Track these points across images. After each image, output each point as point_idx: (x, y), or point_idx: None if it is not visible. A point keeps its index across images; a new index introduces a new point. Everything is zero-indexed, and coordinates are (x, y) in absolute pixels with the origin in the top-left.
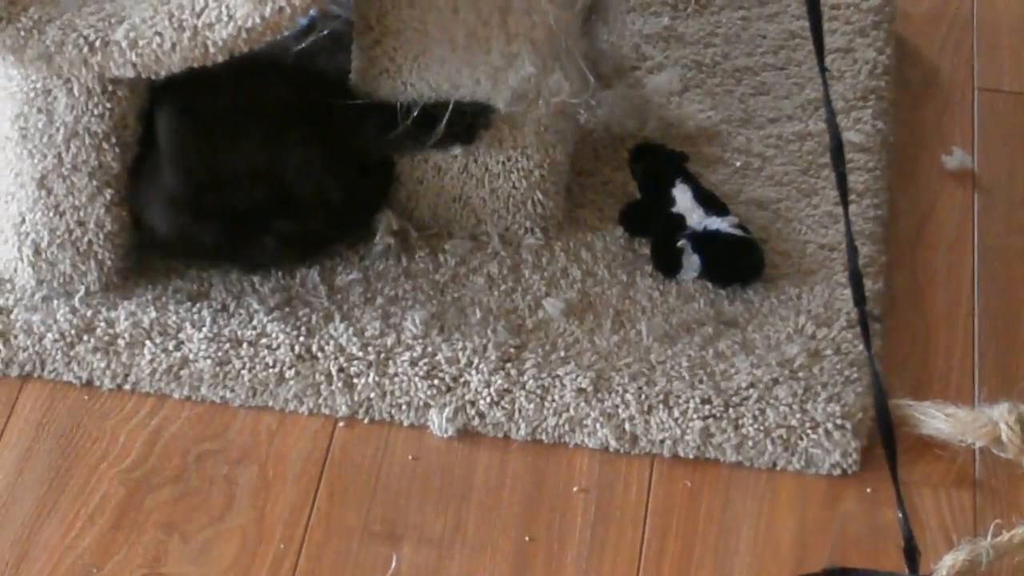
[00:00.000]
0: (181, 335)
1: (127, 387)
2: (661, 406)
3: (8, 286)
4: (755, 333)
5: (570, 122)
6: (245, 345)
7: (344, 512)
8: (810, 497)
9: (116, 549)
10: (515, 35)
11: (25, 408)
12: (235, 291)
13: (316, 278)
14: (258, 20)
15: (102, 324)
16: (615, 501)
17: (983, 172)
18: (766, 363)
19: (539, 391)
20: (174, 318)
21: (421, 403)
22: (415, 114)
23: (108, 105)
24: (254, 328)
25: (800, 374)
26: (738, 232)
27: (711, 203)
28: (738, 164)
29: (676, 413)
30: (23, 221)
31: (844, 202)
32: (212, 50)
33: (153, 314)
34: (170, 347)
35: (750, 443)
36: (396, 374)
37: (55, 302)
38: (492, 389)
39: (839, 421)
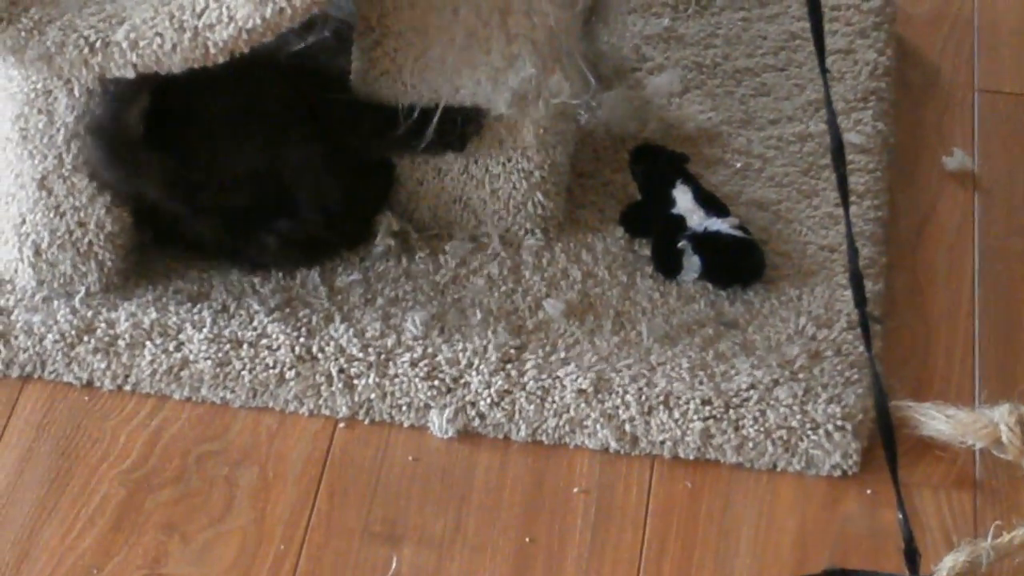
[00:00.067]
0: (181, 336)
1: (127, 388)
2: (661, 407)
3: (8, 287)
4: (755, 334)
5: (570, 123)
6: (245, 346)
7: (344, 513)
8: (810, 498)
9: (116, 550)
10: (515, 36)
11: (25, 409)
12: (235, 292)
13: (316, 279)
14: (259, 21)
15: (102, 325)
16: (615, 502)
17: (983, 173)
18: (766, 364)
19: (539, 392)
20: (174, 319)
21: (421, 404)
22: (410, 117)
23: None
24: (254, 329)
25: (800, 375)
26: (739, 233)
27: (712, 204)
28: (738, 165)
29: (676, 414)
30: (23, 222)
31: (845, 203)
32: (213, 51)
33: (153, 315)
34: (170, 348)
35: (750, 444)
36: (396, 375)
37: (55, 303)
38: (492, 390)
39: (839, 422)
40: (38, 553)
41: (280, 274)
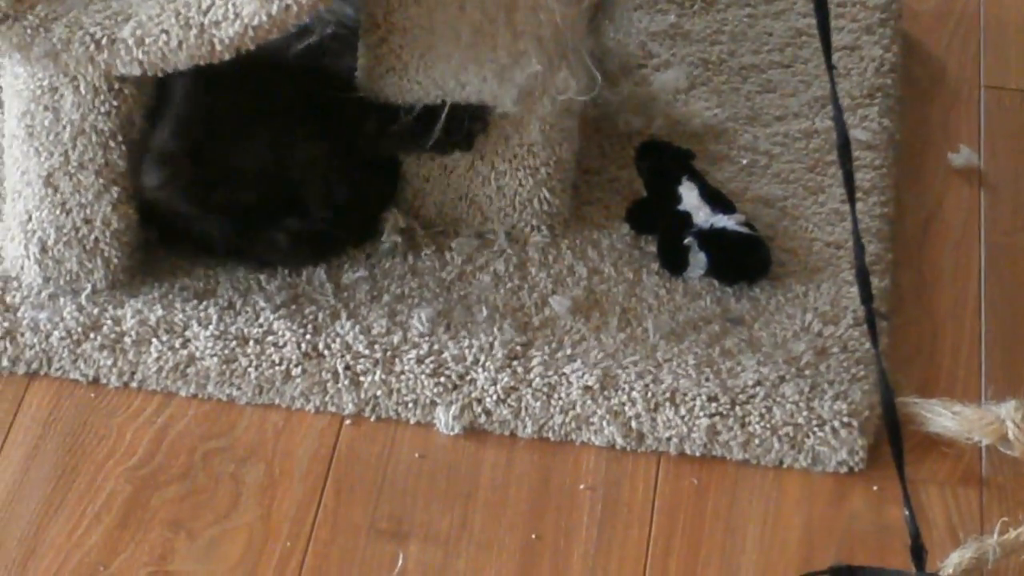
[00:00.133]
0: (188, 333)
1: (133, 385)
2: (668, 404)
3: (15, 284)
4: (762, 331)
5: (576, 120)
6: (252, 343)
7: (351, 510)
8: (817, 495)
9: (123, 547)
10: (521, 33)
11: (32, 406)
12: (241, 289)
13: (323, 276)
14: (265, 18)
15: (108, 322)
16: (622, 499)
17: (989, 169)
18: (773, 361)
19: (546, 389)
20: (180, 316)
21: (427, 401)
22: (415, 114)
23: (115, 103)
24: (260, 326)
25: (807, 372)
26: (745, 230)
27: (717, 201)
28: (744, 162)
29: (683, 411)
30: (30, 219)
31: (851, 200)
32: (219, 48)
33: (160, 312)
34: (176, 345)
35: (757, 441)
36: (402, 372)
37: (62, 300)
38: (499, 387)
39: (846, 419)
40: (44, 550)
41: (286, 271)
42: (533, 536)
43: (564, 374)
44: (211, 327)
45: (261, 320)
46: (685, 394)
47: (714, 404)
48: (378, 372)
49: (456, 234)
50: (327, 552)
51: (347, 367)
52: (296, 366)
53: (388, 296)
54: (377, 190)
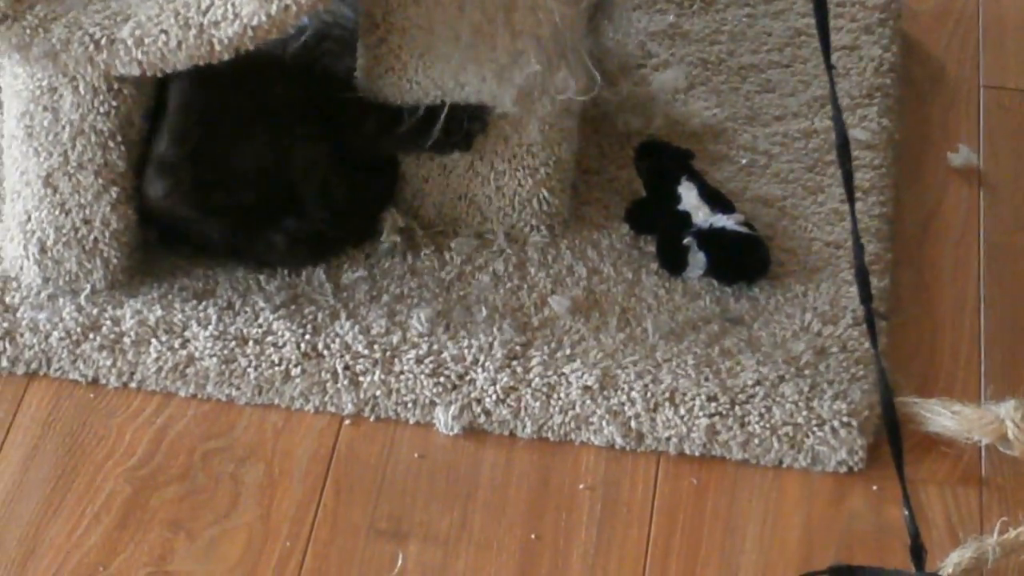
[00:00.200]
0: (187, 333)
1: (133, 385)
2: (667, 404)
3: (14, 284)
4: (761, 331)
5: (575, 120)
6: (251, 343)
7: (350, 510)
8: (816, 495)
9: (122, 547)
10: (520, 32)
11: (31, 406)
12: (241, 289)
13: (322, 276)
14: (264, 18)
15: (108, 322)
16: (621, 499)
17: (989, 169)
18: (772, 361)
19: (545, 389)
20: (180, 316)
21: (427, 401)
22: (415, 115)
23: (114, 103)
24: (260, 326)
25: (806, 371)
26: (744, 229)
27: (717, 200)
28: (744, 161)
29: (682, 411)
30: (29, 219)
31: (850, 199)
32: (218, 48)
33: (159, 312)
34: (176, 345)
35: (756, 441)
36: (402, 372)
37: (61, 300)
38: (498, 387)
39: (845, 419)
40: (44, 550)
41: (285, 272)
42: (532, 536)
43: (563, 374)
44: (210, 327)
45: (260, 320)
46: (684, 394)
47: (713, 404)
48: (377, 372)
49: (455, 234)
50: (326, 552)
51: (346, 367)
52: (295, 366)
53: (387, 296)
54: (376, 191)
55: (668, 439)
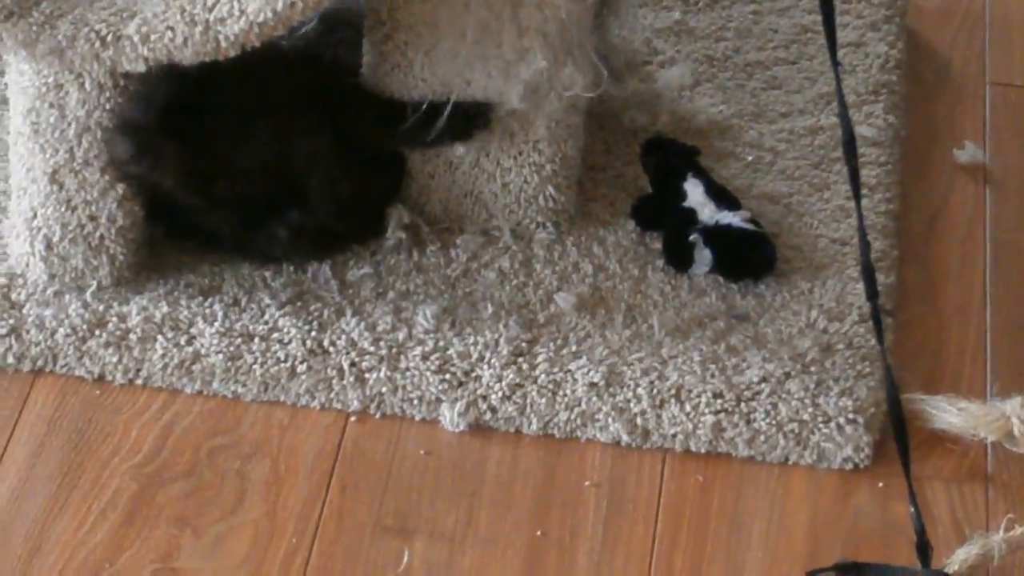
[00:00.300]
0: (193, 330)
1: (139, 382)
2: (673, 400)
3: (20, 281)
4: (767, 327)
5: (582, 116)
6: (257, 340)
7: (356, 507)
8: (822, 491)
9: (128, 544)
10: (527, 29)
11: (37, 403)
12: (247, 286)
13: (328, 273)
14: (270, 14)
15: (114, 319)
16: (627, 496)
17: (995, 166)
18: (778, 357)
19: (551, 386)
20: (186, 313)
21: (433, 398)
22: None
23: (119, 100)
24: (266, 323)
25: (812, 368)
26: (750, 226)
27: (723, 197)
28: (750, 158)
29: (688, 407)
30: (35, 216)
31: (856, 196)
32: (224, 44)
33: (165, 309)
34: (182, 342)
35: (762, 437)
36: (408, 369)
37: (67, 297)
38: (504, 384)
39: (851, 415)
40: (50, 547)
41: (291, 268)
42: (539, 533)
43: (569, 371)
44: (216, 324)
45: (266, 317)
46: (690, 391)
47: (719, 401)
48: (383, 369)
49: (461, 231)
50: (332, 549)
51: (352, 364)
52: (301, 363)
53: (393, 293)
54: (381, 185)
55: (674, 436)
